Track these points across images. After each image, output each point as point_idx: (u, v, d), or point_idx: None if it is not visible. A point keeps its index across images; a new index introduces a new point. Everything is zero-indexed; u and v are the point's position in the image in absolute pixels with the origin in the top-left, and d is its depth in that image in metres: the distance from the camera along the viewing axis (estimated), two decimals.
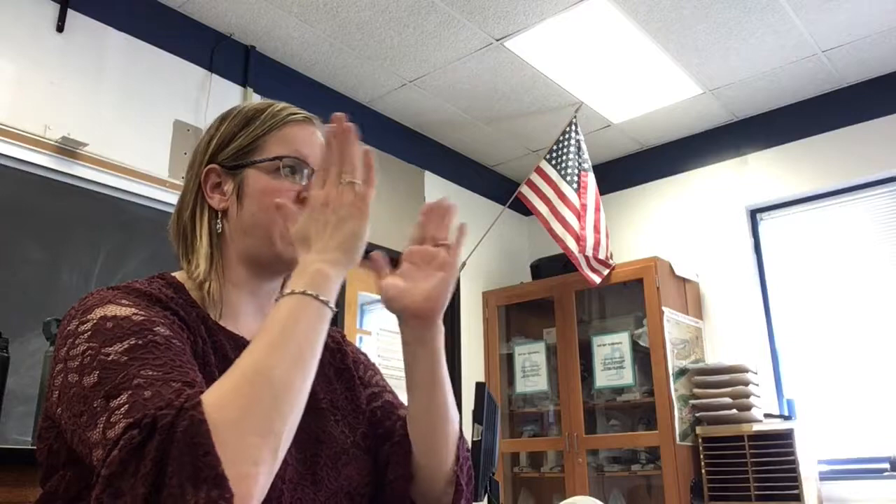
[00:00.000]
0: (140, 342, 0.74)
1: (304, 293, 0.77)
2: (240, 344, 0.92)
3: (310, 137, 0.99)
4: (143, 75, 2.99)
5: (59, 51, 2.74)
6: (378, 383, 1.07)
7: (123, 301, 0.81)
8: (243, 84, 3.36)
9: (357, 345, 1.12)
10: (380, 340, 3.79)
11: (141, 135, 2.93)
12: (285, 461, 0.83)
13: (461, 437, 0.99)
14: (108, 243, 2.68)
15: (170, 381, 0.70)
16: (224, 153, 0.97)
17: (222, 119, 1.00)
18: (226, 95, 3.28)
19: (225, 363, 0.87)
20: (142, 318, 0.78)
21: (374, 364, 1.12)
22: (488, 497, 2.05)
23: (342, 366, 1.04)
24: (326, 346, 1.04)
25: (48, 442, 0.81)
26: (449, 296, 0.92)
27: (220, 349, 0.88)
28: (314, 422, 0.92)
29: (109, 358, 0.73)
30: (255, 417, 0.67)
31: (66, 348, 0.78)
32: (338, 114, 0.83)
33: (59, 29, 2.75)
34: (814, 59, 3.61)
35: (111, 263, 2.67)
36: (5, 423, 2.09)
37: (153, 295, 0.85)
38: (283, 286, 1.04)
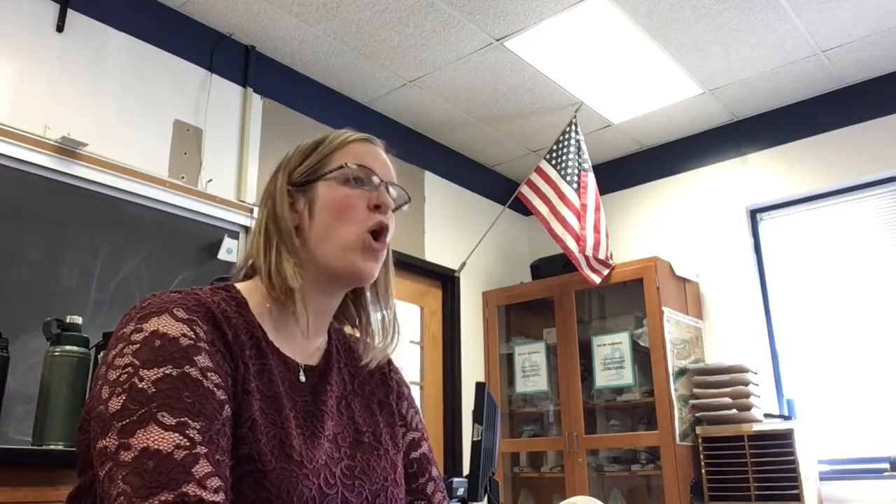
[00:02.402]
0: (174, 373, 0.76)
1: None
2: (290, 367, 0.93)
3: (372, 152, 1.02)
4: (143, 75, 2.99)
5: (59, 51, 2.74)
6: (418, 427, 1.09)
7: (180, 313, 0.82)
8: (243, 84, 3.36)
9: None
10: None
11: (141, 135, 2.92)
12: (328, 494, 0.85)
13: None
14: (108, 243, 2.68)
15: (178, 464, 0.71)
16: (295, 174, 1.00)
17: (296, 147, 1.04)
18: (226, 95, 3.28)
19: (270, 388, 0.88)
20: (188, 342, 0.80)
21: (414, 399, 1.13)
22: (488, 497, 2.05)
23: (384, 398, 1.05)
24: (373, 375, 1.06)
25: (88, 436, 0.82)
26: None
27: (267, 372, 0.89)
28: (360, 453, 0.94)
29: (140, 385, 0.75)
30: None
31: (114, 352, 0.80)
32: None
33: (59, 29, 2.75)
34: (814, 59, 3.61)
35: (111, 263, 2.67)
36: (5, 423, 2.09)
37: (211, 310, 0.86)
38: (342, 305, 1.05)
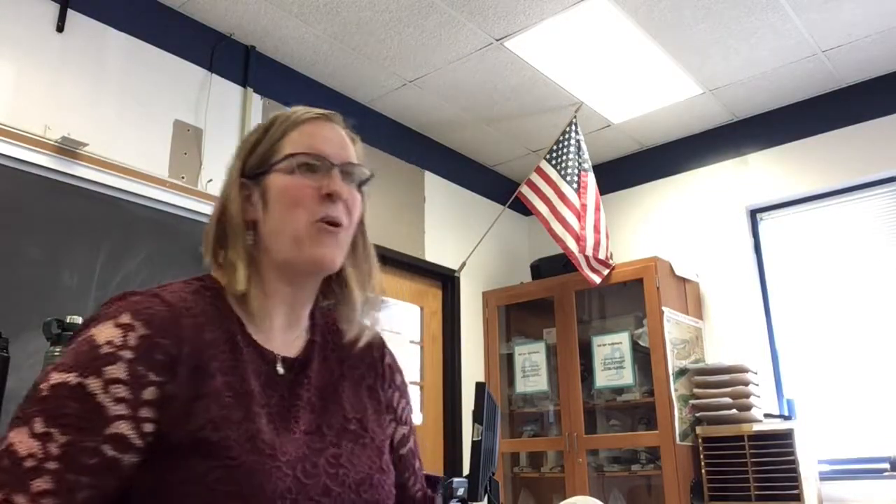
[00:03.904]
0: (72, 381, 0.77)
1: None
2: (267, 359, 0.92)
3: (326, 133, 0.98)
4: (143, 75, 2.99)
5: (59, 51, 2.74)
6: (408, 420, 1.07)
7: (123, 319, 0.82)
8: (243, 84, 3.36)
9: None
10: None
11: (141, 135, 2.92)
12: (307, 484, 0.84)
13: None
14: (108, 243, 2.68)
15: (23, 471, 0.73)
16: (248, 164, 0.97)
17: (251, 132, 1.01)
18: (226, 95, 3.28)
19: (242, 385, 0.86)
20: (108, 350, 0.79)
21: (407, 390, 1.10)
22: (488, 497, 2.05)
23: (372, 384, 1.03)
24: (363, 360, 1.03)
25: None
26: None
27: (239, 369, 0.87)
28: (345, 441, 0.92)
29: (41, 385, 0.78)
30: None
31: (66, 346, 0.84)
32: None
33: (59, 29, 2.75)
34: (814, 59, 3.61)
35: (111, 263, 2.67)
36: (5, 423, 2.09)
37: (163, 314, 0.84)
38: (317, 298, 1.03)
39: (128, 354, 0.80)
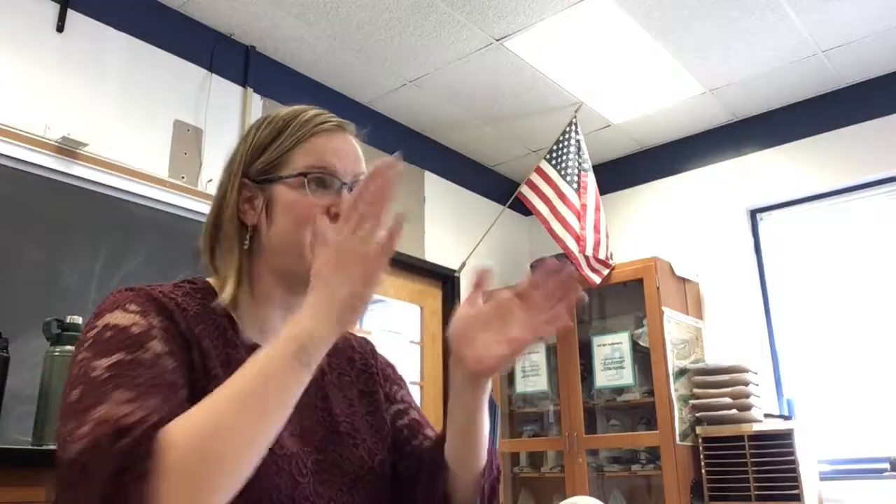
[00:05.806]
0: (127, 357, 0.76)
1: (295, 357, 0.74)
2: None
3: (340, 146, 0.96)
4: (143, 75, 2.99)
5: (59, 51, 2.74)
6: (404, 399, 1.07)
7: (131, 307, 0.82)
8: (243, 84, 3.36)
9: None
10: (380, 340, 3.78)
11: (141, 135, 2.92)
12: (300, 482, 0.84)
13: (491, 477, 0.96)
14: (108, 243, 2.68)
15: (134, 404, 0.71)
16: (254, 167, 0.95)
17: (256, 128, 0.98)
18: (226, 95, 3.28)
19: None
20: (139, 329, 0.79)
21: (401, 378, 1.11)
22: None
23: (366, 389, 1.03)
24: (353, 366, 1.04)
25: None
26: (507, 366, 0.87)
27: (234, 363, 0.86)
28: (333, 445, 0.92)
29: (93, 374, 0.74)
30: (195, 490, 0.66)
31: (76, 351, 0.80)
32: (390, 160, 0.77)
33: (59, 29, 2.75)
34: (814, 59, 3.61)
35: (111, 263, 2.67)
36: (5, 423, 2.09)
37: (162, 303, 0.85)
38: None
39: (158, 332, 0.80)
